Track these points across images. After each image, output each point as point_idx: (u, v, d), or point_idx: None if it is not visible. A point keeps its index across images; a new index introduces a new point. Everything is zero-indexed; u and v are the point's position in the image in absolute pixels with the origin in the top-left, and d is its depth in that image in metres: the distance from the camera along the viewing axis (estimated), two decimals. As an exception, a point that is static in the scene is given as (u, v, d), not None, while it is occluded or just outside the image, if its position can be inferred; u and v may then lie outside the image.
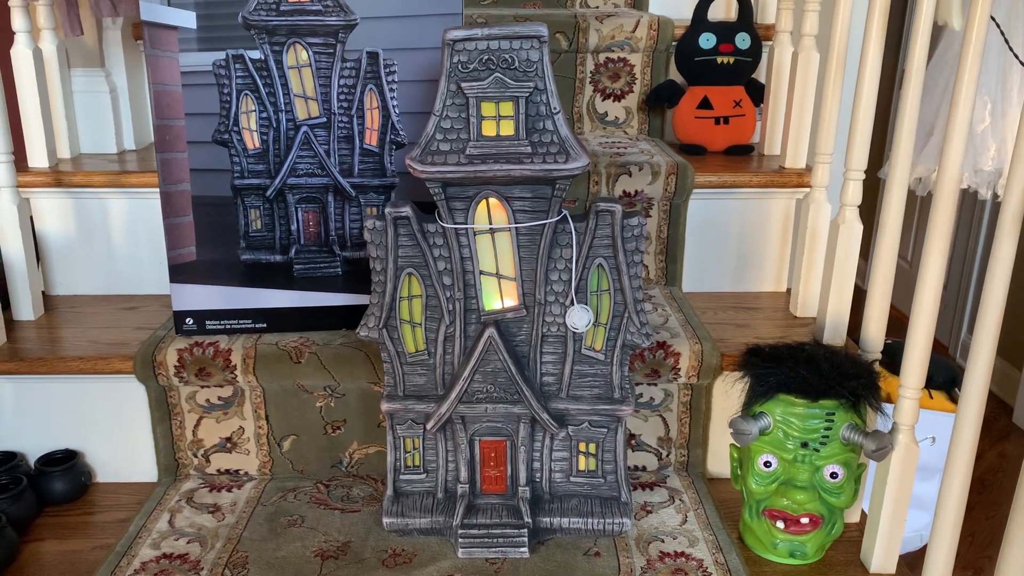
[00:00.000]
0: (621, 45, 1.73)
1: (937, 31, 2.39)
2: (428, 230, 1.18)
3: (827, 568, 1.23)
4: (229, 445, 1.41)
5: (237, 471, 1.43)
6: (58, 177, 1.53)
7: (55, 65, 1.57)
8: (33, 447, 1.41)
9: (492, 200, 1.16)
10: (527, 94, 1.12)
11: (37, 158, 1.55)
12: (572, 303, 1.20)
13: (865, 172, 1.31)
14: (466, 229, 1.17)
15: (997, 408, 3.06)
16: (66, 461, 1.38)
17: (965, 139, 1.05)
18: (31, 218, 1.54)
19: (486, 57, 1.11)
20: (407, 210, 1.17)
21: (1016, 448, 2.85)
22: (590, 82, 1.77)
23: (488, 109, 1.12)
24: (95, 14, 1.52)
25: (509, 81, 1.11)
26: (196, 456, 1.42)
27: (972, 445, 1.06)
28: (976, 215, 3.31)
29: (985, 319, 1.00)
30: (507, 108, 1.12)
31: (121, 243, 1.58)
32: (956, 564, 1.12)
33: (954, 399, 2.18)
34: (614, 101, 1.79)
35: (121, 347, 1.38)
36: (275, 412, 1.39)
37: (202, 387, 1.37)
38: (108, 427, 1.40)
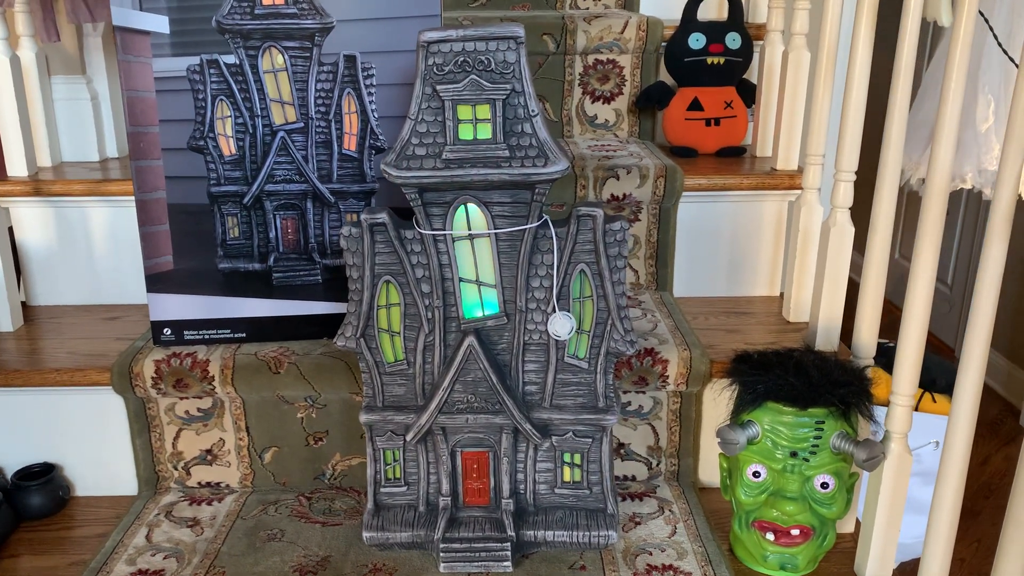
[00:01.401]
0: (610, 47, 1.70)
1: (940, 29, 2.35)
2: (406, 237, 1.15)
3: (819, 581, 1.19)
4: (210, 457, 1.38)
5: (218, 484, 1.40)
6: (37, 186, 1.50)
7: (34, 72, 1.55)
8: (10, 461, 1.38)
9: (471, 205, 1.14)
10: (504, 96, 1.09)
11: (16, 167, 1.53)
12: (554, 310, 1.17)
13: (859, 174, 1.28)
14: (444, 235, 1.15)
15: (1004, 411, 3.01)
16: (43, 475, 1.35)
17: (955, 138, 1.02)
18: (10, 228, 1.52)
19: (461, 59, 1.08)
20: (383, 216, 1.14)
21: None
22: (579, 84, 1.74)
23: (464, 112, 1.09)
24: (71, 20, 1.50)
25: (485, 83, 1.08)
26: (176, 469, 1.39)
27: (965, 450, 1.03)
28: (981, 216, 3.26)
29: (976, 323, 0.97)
30: (484, 111, 1.09)
31: (103, 252, 1.55)
32: (963, 571, 1.08)
33: (958, 403, 2.13)
34: (604, 103, 1.76)
35: (99, 358, 1.35)
36: (256, 424, 1.36)
37: (180, 399, 1.35)
38: (87, 440, 1.38)
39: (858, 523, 1.28)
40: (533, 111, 1.09)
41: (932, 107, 2.29)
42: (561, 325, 1.16)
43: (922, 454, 2.08)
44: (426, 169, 1.10)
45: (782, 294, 1.59)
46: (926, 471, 1.91)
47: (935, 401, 2.46)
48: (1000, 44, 0.98)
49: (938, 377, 2.49)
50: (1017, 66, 0.77)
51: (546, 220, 1.15)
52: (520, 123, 1.10)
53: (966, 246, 3.35)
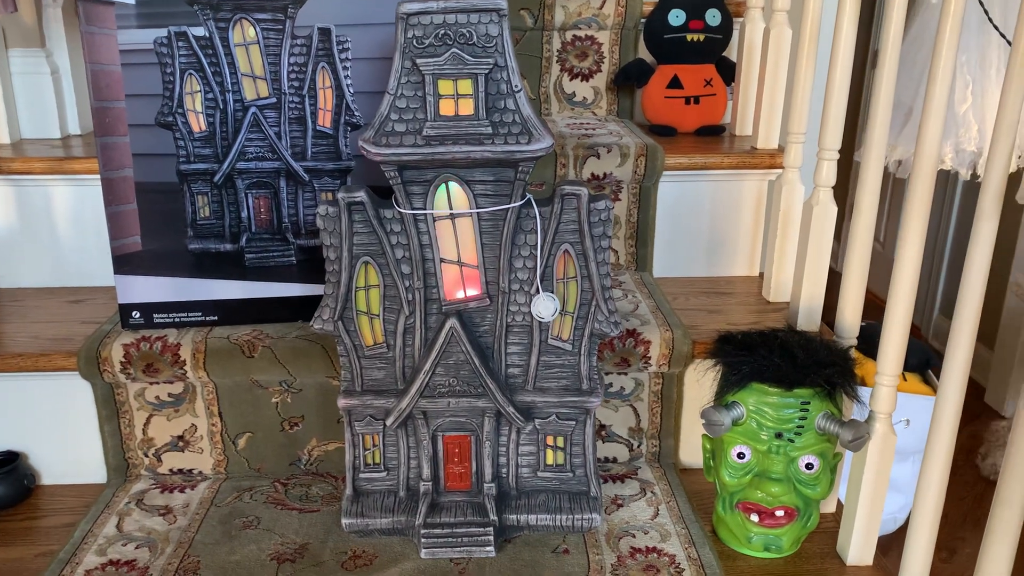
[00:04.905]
0: (588, 22, 1.67)
1: (912, 8, 2.35)
2: (385, 216, 1.12)
3: (803, 561, 1.19)
4: (181, 444, 1.34)
5: (191, 471, 1.36)
6: (-4, 164, 1.44)
7: (-10, 45, 1.49)
8: (-28, 449, 1.33)
9: (452, 184, 1.10)
10: (486, 71, 1.06)
11: (-27, 144, 1.47)
12: (538, 291, 1.14)
13: (840, 153, 1.27)
14: (425, 215, 1.12)
15: (969, 388, 3.05)
16: (7, 463, 1.31)
17: (943, 118, 1.01)
18: (-32, 207, 1.46)
19: (442, 32, 1.05)
20: (362, 195, 1.10)
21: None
22: (557, 61, 1.71)
23: (445, 87, 1.06)
24: (30, -10, 1.43)
25: (467, 57, 1.05)
26: (147, 456, 1.35)
27: (952, 430, 1.04)
28: (948, 194, 3.29)
29: (965, 301, 0.97)
30: (466, 86, 1.06)
31: (67, 233, 1.50)
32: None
33: (928, 381, 2.16)
34: (582, 81, 1.73)
35: (65, 342, 1.31)
36: (229, 409, 1.33)
37: (151, 384, 1.31)
38: (53, 427, 1.33)
39: (840, 504, 1.28)
40: (516, 86, 1.07)
41: (905, 86, 2.29)
42: (545, 306, 1.14)
43: (892, 432, 2.10)
44: (406, 146, 1.06)
45: (762, 274, 1.58)
46: (896, 448, 1.92)
47: (905, 379, 2.48)
48: (990, 18, 0.97)
49: (908, 355, 2.51)
50: (1010, 44, 0.76)
51: (529, 199, 1.13)
52: (503, 99, 1.07)
53: (932, 225, 3.38)
